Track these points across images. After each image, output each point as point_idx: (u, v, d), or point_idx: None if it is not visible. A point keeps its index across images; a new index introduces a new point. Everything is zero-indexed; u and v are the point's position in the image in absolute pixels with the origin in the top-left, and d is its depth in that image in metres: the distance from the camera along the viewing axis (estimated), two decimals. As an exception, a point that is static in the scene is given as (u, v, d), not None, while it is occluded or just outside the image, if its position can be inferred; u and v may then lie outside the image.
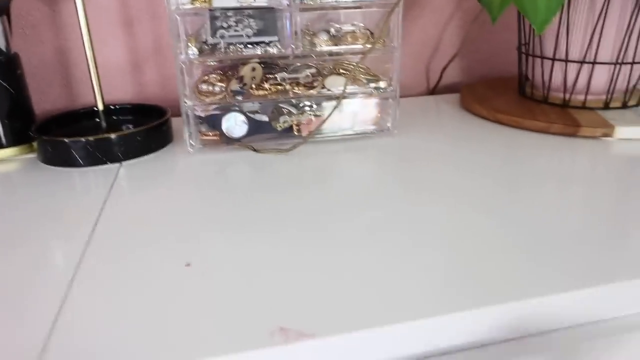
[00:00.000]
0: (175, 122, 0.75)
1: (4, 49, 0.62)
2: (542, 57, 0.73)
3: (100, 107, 0.68)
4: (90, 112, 0.72)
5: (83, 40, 0.62)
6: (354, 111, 0.66)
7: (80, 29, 0.62)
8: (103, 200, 0.51)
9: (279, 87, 0.63)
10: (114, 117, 0.73)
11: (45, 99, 0.78)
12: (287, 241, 0.42)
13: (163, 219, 0.47)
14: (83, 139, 0.59)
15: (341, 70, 0.65)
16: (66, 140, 0.59)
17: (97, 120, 0.71)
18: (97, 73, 0.64)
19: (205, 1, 0.58)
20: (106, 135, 0.60)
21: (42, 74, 0.77)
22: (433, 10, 0.91)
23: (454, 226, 0.44)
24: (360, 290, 0.35)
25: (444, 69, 0.91)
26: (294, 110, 0.65)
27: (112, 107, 0.73)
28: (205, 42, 0.61)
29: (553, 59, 0.71)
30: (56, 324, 0.32)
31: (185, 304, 0.34)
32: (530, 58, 0.76)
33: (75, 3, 0.62)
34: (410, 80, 0.94)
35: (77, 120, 0.71)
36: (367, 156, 0.62)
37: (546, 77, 0.73)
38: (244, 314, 0.32)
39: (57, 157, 0.60)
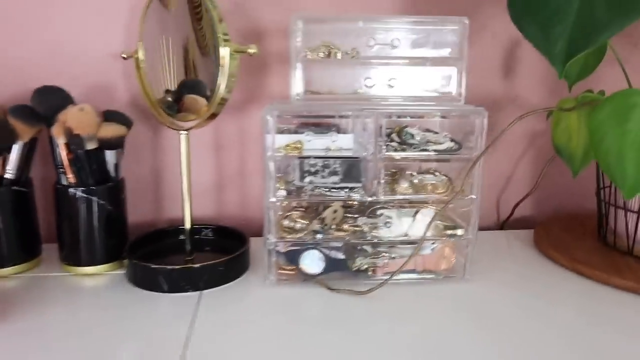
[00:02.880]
0: (252, 243, 0.78)
1: (113, 175, 0.69)
2: (626, 210, 0.71)
3: (188, 226, 0.72)
4: (176, 230, 0.77)
5: (181, 170, 0.68)
6: (429, 255, 0.67)
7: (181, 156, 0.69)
8: (187, 328, 0.53)
9: (358, 228, 0.65)
10: (197, 237, 0.78)
11: (135, 212, 0.84)
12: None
13: (246, 348, 0.48)
14: (169, 267, 0.63)
15: (418, 215, 0.67)
16: (153, 266, 0.63)
17: (183, 237, 0.76)
18: (190, 197, 0.69)
19: (297, 148, 0.63)
20: (190, 265, 0.64)
21: (136, 190, 0.84)
22: (507, 145, 0.93)
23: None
24: None
25: (517, 205, 0.91)
26: (370, 252, 0.66)
27: (195, 227, 0.78)
28: (292, 183, 0.65)
29: (639, 213, 0.69)
30: None
31: None
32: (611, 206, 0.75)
33: (179, 136, 0.68)
34: (480, 212, 0.94)
35: (164, 237, 0.76)
36: (438, 303, 0.61)
37: (631, 229, 0.71)
38: None
39: (145, 280, 0.64)
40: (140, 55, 0.68)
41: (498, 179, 0.94)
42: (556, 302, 0.62)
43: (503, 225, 0.94)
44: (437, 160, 0.68)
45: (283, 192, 0.63)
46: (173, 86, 0.71)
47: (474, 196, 0.65)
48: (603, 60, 0.71)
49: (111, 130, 0.65)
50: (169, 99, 0.73)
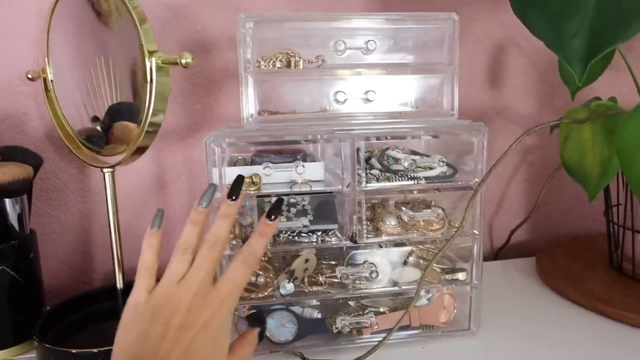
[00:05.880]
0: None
1: (18, 230, 0.53)
2: (645, 235, 0.61)
3: (120, 286, 0.57)
4: (109, 290, 0.61)
5: (108, 216, 0.53)
6: (425, 307, 0.54)
7: (106, 198, 0.54)
8: None
9: (336, 280, 0.52)
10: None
11: (63, 268, 0.69)
12: None
13: None
14: (94, 350, 0.47)
15: (410, 259, 0.54)
16: (74, 351, 0.47)
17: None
18: (121, 253, 0.55)
19: (254, 183, 0.50)
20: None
21: (63, 240, 0.68)
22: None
23: None
24: None
25: (514, 231, 0.80)
26: (353, 307, 0.53)
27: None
28: (250, 227, 0.51)
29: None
30: None
31: None
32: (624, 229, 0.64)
33: (103, 173, 0.54)
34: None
35: (95, 300, 0.61)
36: None
37: (652, 258, 0.61)
38: None
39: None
40: (49, 74, 0.54)
41: (488, 202, 0.82)
42: (583, 352, 0.52)
43: (498, 254, 0.82)
44: (425, 190, 0.55)
45: (238, 242, 0.49)
46: (101, 112, 0.57)
47: (476, 232, 0.53)
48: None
49: (8, 172, 0.50)
50: (98, 128, 0.59)
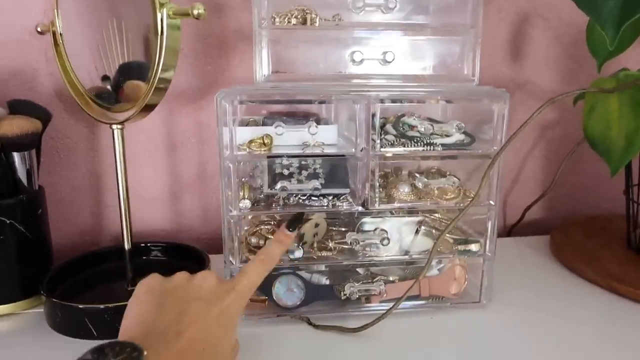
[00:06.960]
0: (215, 262, 0.63)
1: (26, 185, 0.53)
2: (668, 214, 0.59)
3: (128, 247, 0.56)
4: (118, 250, 0.61)
5: (117, 174, 0.52)
6: (436, 277, 0.53)
7: (115, 155, 0.53)
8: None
9: (346, 246, 0.51)
10: (144, 258, 0.63)
11: (72, 228, 0.69)
12: None
13: None
14: (100, 306, 0.47)
15: (422, 228, 0.53)
16: (81, 306, 0.47)
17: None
18: (129, 212, 0.54)
19: (264, 144, 0.48)
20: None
21: (71, 200, 0.68)
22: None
23: None
24: None
25: (529, 208, 0.78)
26: (362, 275, 0.52)
27: (142, 245, 0.63)
28: (260, 189, 0.50)
29: (686, 220, 0.57)
30: None
31: None
32: (647, 210, 0.62)
33: (112, 130, 0.53)
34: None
35: (103, 260, 0.61)
36: (452, 338, 0.49)
37: (674, 238, 0.59)
38: None
39: (67, 324, 0.48)
40: (59, 27, 0.52)
41: (503, 177, 0.80)
42: (594, 329, 0.50)
43: (511, 231, 0.81)
44: (442, 158, 0.54)
45: (247, 203, 0.48)
46: (112, 71, 0.56)
47: (492, 202, 0.51)
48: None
49: (16, 125, 0.49)
50: (108, 87, 0.58)
